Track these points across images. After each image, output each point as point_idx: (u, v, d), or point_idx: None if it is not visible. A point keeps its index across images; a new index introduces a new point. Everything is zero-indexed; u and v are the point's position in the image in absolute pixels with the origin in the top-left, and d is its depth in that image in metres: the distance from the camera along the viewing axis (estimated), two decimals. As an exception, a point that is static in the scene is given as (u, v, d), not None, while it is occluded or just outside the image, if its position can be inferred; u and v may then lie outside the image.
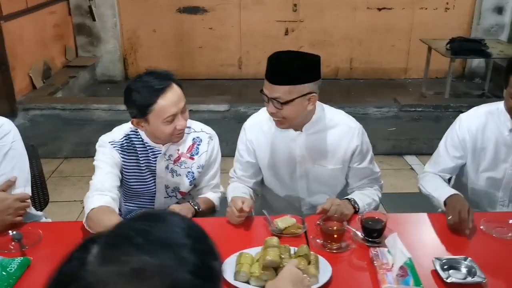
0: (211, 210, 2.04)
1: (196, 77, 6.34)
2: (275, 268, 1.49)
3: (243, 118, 4.77)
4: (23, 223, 1.80)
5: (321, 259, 1.58)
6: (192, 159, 2.03)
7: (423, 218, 1.93)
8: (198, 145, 2.05)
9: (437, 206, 2.01)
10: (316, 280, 1.48)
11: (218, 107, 4.76)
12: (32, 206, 2.17)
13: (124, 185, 2.01)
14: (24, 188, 1.82)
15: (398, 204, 3.58)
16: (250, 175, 2.12)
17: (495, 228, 1.78)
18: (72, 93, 5.52)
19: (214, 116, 4.71)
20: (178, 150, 2.02)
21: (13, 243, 1.67)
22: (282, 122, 1.89)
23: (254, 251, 1.60)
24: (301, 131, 1.96)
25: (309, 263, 1.53)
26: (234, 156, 2.16)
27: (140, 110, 1.81)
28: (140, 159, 1.99)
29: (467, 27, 6.17)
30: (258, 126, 2.06)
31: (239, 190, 2.04)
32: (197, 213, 1.94)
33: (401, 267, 1.52)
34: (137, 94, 1.80)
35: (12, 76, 4.63)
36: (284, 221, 1.79)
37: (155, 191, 2.03)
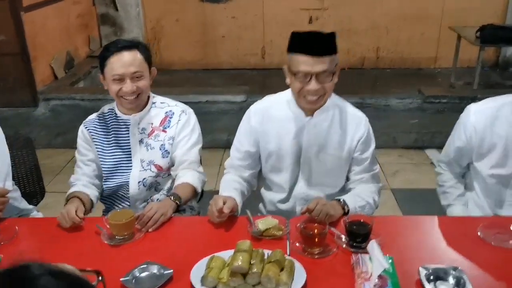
0: (192, 196, 1.99)
1: (219, 67, 6.29)
2: (244, 274, 1.40)
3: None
4: (2, 218, 1.78)
5: (297, 265, 1.49)
6: (165, 132, 2.06)
7: (423, 221, 1.81)
8: (170, 118, 2.07)
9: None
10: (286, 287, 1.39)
11: (235, 98, 4.68)
12: (27, 199, 2.18)
13: (102, 164, 2.06)
14: (3, 182, 1.81)
15: (414, 201, 3.42)
16: (247, 165, 2.04)
17: (495, 235, 1.63)
18: (95, 83, 5.55)
19: (231, 107, 4.64)
20: (152, 124, 2.06)
21: (-11, 239, 1.65)
22: (319, 100, 1.82)
23: (227, 254, 1.52)
24: (312, 116, 1.88)
25: (282, 269, 1.44)
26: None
27: (100, 63, 1.93)
28: (111, 133, 2.05)
29: (502, 14, 5.82)
30: (266, 112, 1.98)
31: (231, 185, 1.96)
32: (180, 206, 1.88)
33: (381, 277, 1.41)
34: (104, 48, 1.94)
35: (33, 66, 4.70)
36: (266, 222, 1.70)
37: (131, 165, 2.04)
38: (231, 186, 1.94)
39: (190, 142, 2.07)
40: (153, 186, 2.06)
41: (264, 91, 5.39)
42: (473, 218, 1.84)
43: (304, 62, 1.74)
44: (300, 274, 1.45)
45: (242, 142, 2.02)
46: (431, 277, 1.43)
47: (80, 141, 2.06)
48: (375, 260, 1.39)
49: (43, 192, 2.41)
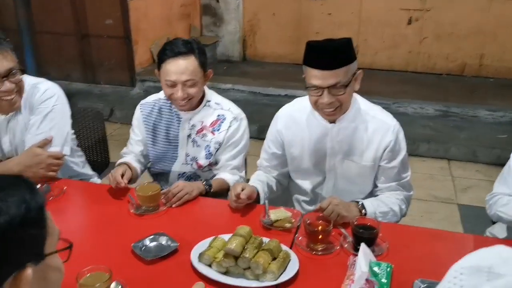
0: (225, 191, 2.08)
1: (310, 63, 6.32)
2: (236, 257, 1.48)
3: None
4: (57, 178, 2.04)
5: (293, 258, 1.53)
6: (213, 134, 2.12)
7: (440, 235, 1.74)
8: (222, 122, 2.11)
9: None
10: (273, 277, 1.44)
11: (314, 94, 4.70)
12: (92, 166, 2.45)
13: (148, 148, 2.20)
14: (61, 147, 2.06)
15: (479, 219, 3.20)
16: (274, 166, 2.10)
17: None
18: (189, 69, 5.91)
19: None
20: (202, 122, 2.12)
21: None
22: (336, 112, 1.82)
23: (229, 237, 1.61)
24: (335, 122, 1.89)
25: (274, 259, 1.49)
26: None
27: (158, 62, 2.03)
28: (163, 122, 2.15)
29: None
30: (291, 116, 2.02)
31: (256, 178, 2.05)
32: (208, 193, 2.00)
33: (368, 281, 1.40)
34: (162, 49, 2.01)
35: (134, 50, 5.14)
36: (278, 214, 1.76)
37: (177, 155, 2.15)
38: (256, 179, 2.02)
39: (237, 149, 2.13)
40: (193, 178, 2.17)
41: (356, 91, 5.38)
42: (496, 240, 1.72)
43: (315, 76, 1.74)
44: (293, 267, 1.50)
45: (269, 144, 2.08)
46: (425, 292, 1.40)
47: (134, 121, 2.22)
48: (357, 264, 1.39)
49: (107, 161, 2.68)
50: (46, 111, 2.05)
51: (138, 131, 2.21)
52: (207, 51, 6.94)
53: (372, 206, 1.82)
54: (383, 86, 5.49)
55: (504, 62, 5.71)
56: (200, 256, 1.52)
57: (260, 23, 6.42)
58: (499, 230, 1.95)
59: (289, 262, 1.52)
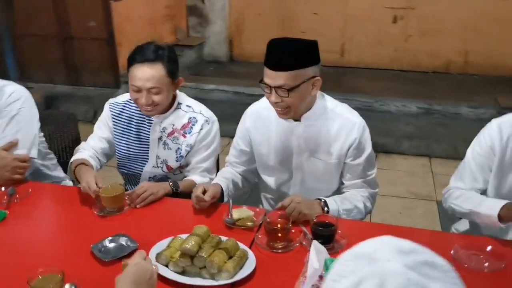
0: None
1: (296, 62, 6.32)
2: (192, 257, 1.48)
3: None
4: (24, 180, 2.03)
5: (250, 256, 1.54)
6: (184, 136, 2.11)
7: (397, 231, 1.72)
8: (193, 125, 2.11)
9: (482, 224, 1.80)
10: (228, 275, 1.44)
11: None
12: (65, 169, 2.44)
13: (116, 149, 2.18)
14: (28, 150, 2.05)
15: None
16: (241, 162, 2.11)
17: (470, 256, 1.53)
18: (175, 70, 5.90)
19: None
20: (173, 125, 2.11)
21: (5, 197, 1.90)
22: (286, 112, 1.83)
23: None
24: (300, 120, 1.89)
25: (230, 257, 1.49)
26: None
27: (127, 64, 1.99)
28: (133, 124, 2.13)
29: None
30: (258, 114, 2.03)
31: (222, 175, 2.05)
32: (176, 194, 2.00)
33: (322, 278, 1.40)
34: (132, 53, 1.99)
35: (117, 51, 5.13)
36: (240, 212, 1.76)
37: (147, 158, 2.14)
38: (221, 176, 2.03)
39: (208, 151, 2.12)
40: (163, 180, 2.14)
41: (339, 89, 5.40)
42: (451, 235, 1.73)
43: (266, 74, 1.76)
44: (249, 265, 1.50)
45: (238, 141, 2.09)
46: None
47: (102, 117, 2.19)
48: (310, 261, 1.39)
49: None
50: (12, 114, 2.05)
51: (105, 129, 2.18)
52: (193, 52, 6.89)
53: (336, 204, 1.83)
54: (368, 84, 5.51)
55: (489, 59, 5.72)
56: (158, 256, 1.52)
57: (246, 22, 6.42)
58: (464, 225, 1.96)
59: (246, 260, 1.52)
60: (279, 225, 1.63)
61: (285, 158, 1.98)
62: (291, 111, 1.83)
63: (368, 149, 1.94)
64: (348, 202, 1.87)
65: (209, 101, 5.06)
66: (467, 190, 1.83)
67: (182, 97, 2.15)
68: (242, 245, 1.58)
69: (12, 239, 1.68)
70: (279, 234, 1.62)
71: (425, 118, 4.36)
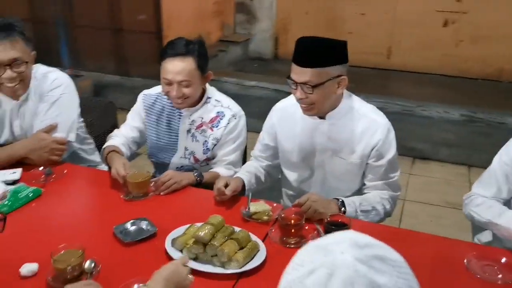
0: None
1: (341, 63, 6.28)
2: (204, 244, 1.54)
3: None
4: (61, 162, 2.16)
5: (261, 249, 1.58)
6: (212, 130, 2.18)
7: (412, 236, 1.74)
8: (220, 119, 2.17)
9: (501, 236, 1.75)
10: (237, 265, 1.49)
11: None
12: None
13: (147, 139, 2.28)
14: (66, 134, 2.18)
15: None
16: (266, 157, 2.16)
17: (483, 267, 1.51)
18: (220, 65, 6.00)
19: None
20: (202, 118, 2.19)
21: (43, 176, 2.04)
22: (310, 109, 1.87)
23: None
24: (325, 119, 1.92)
25: (241, 248, 1.55)
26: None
27: (160, 58, 2.07)
28: (164, 116, 2.22)
29: None
30: (285, 110, 2.07)
31: (246, 169, 2.10)
32: (200, 184, 2.07)
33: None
34: (164, 47, 2.09)
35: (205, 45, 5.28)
36: (257, 206, 1.80)
37: (176, 149, 2.22)
38: (245, 169, 2.08)
39: (233, 145, 2.19)
40: (190, 171, 2.20)
41: (382, 91, 5.33)
42: (466, 244, 1.70)
43: (293, 70, 1.80)
44: (259, 257, 1.54)
45: (264, 135, 2.14)
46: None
47: (135, 107, 2.30)
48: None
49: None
50: (53, 99, 2.18)
51: (137, 119, 2.27)
52: (238, 49, 7.00)
53: (353, 204, 1.84)
54: (413, 88, 5.40)
55: (545, 67, 5.48)
56: (173, 242, 1.60)
57: (293, 21, 6.44)
58: (487, 236, 1.92)
59: (257, 252, 1.57)
60: (292, 221, 1.66)
61: (308, 155, 2.01)
62: (315, 108, 1.85)
63: (392, 151, 1.93)
64: (367, 203, 1.88)
65: (249, 97, 5.18)
66: (490, 198, 1.80)
67: (211, 91, 2.22)
68: (254, 237, 1.62)
69: (43, 215, 1.81)
70: (292, 230, 1.65)
71: (467, 126, 4.23)
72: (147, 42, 5.30)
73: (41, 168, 2.06)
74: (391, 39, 6.05)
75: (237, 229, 1.64)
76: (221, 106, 2.19)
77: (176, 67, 2.00)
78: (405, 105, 4.57)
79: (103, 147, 2.20)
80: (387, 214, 1.95)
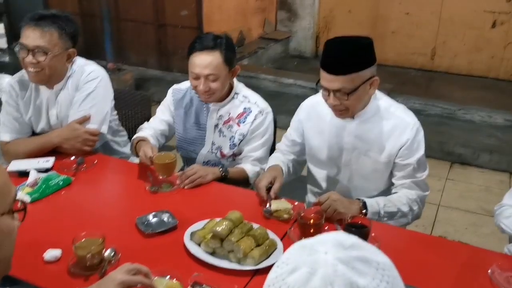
0: (243, 180, 2.15)
1: (383, 63, 6.13)
2: (222, 239, 1.55)
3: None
4: (93, 152, 2.23)
5: (279, 247, 1.58)
6: (238, 125, 2.19)
7: (437, 242, 1.69)
8: (247, 115, 2.18)
9: None
10: (253, 262, 1.49)
11: (376, 95, 4.60)
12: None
13: (176, 132, 2.32)
14: (99, 125, 2.24)
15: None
16: (293, 152, 2.16)
17: (508, 278, 1.44)
18: (259, 62, 6.02)
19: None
20: (230, 113, 2.20)
21: (74, 165, 2.11)
22: (344, 113, 1.85)
23: (225, 220, 1.68)
24: (353, 118, 1.90)
25: (258, 245, 1.54)
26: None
27: (187, 53, 2.09)
28: (193, 110, 2.24)
29: None
30: (313, 107, 2.06)
31: (278, 159, 2.10)
32: (225, 179, 2.08)
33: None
34: (193, 42, 2.10)
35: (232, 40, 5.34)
36: (279, 204, 1.80)
37: (204, 143, 2.25)
38: (278, 159, 2.08)
39: (260, 141, 2.19)
40: (216, 165, 2.22)
41: (427, 93, 5.19)
42: (493, 254, 1.63)
43: (323, 77, 1.76)
44: (276, 255, 1.54)
45: (291, 131, 2.13)
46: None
47: (165, 101, 2.33)
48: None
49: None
50: (88, 91, 2.24)
51: (166, 112, 2.30)
52: (278, 46, 6.99)
53: (377, 206, 1.80)
54: (457, 91, 5.22)
55: None
56: (192, 235, 1.61)
57: (335, 20, 6.37)
58: (517, 247, 1.84)
59: (274, 250, 1.56)
60: (312, 221, 1.65)
61: (335, 153, 1.99)
62: (349, 112, 1.84)
63: (421, 151, 1.89)
64: (392, 204, 1.83)
65: (286, 95, 5.16)
66: None
67: (239, 87, 2.22)
68: (273, 235, 1.62)
69: (71, 203, 1.87)
70: (311, 230, 1.64)
71: (511, 131, 4.06)
72: (188, 37, 5.32)
73: (73, 158, 2.13)
74: (436, 40, 5.88)
75: (255, 225, 1.64)
76: (248, 102, 2.19)
77: (204, 61, 2.02)
78: (445, 107, 4.44)
79: (133, 137, 2.24)
80: (415, 215, 1.89)
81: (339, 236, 0.70)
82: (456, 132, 4.20)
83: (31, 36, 2.04)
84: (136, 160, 2.54)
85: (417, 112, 4.80)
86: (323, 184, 2.08)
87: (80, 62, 2.30)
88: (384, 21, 6.06)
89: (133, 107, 2.80)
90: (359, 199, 1.82)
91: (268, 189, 1.85)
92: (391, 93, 4.70)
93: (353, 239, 0.70)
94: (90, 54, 5.71)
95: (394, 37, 6.07)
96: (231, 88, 2.19)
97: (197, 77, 2.06)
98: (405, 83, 5.51)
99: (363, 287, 0.62)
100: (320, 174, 2.08)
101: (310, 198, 2.17)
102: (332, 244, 0.68)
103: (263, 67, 5.75)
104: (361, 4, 6.11)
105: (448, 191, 3.57)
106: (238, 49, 5.88)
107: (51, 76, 2.15)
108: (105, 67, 5.29)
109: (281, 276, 0.66)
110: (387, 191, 1.98)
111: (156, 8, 5.46)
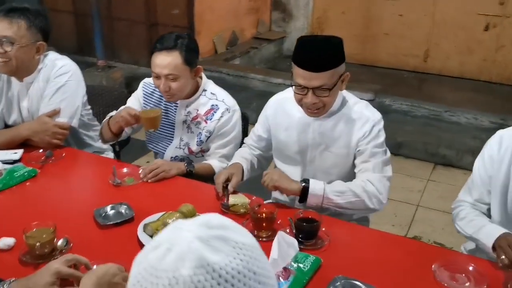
0: (210, 176, 2.16)
1: (376, 64, 6.17)
2: (173, 231, 1.57)
3: (386, 110, 4.56)
4: (62, 146, 2.25)
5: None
6: (206, 122, 2.21)
7: (384, 237, 1.70)
8: (214, 112, 2.20)
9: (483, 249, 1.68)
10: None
11: (363, 96, 4.58)
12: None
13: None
14: (69, 119, 2.26)
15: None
16: (259, 147, 2.17)
17: (454, 274, 1.45)
18: (251, 62, 6.04)
19: (358, 103, 4.60)
20: (197, 110, 2.22)
21: (43, 158, 2.13)
22: (319, 111, 1.86)
23: (180, 213, 1.70)
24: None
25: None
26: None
27: (151, 52, 2.11)
28: (162, 106, 2.26)
29: None
30: (280, 104, 2.07)
31: (241, 155, 2.12)
32: (191, 175, 2.10)
33: (286, 270, 1.42)
34: (155, 41, 2.12)
35: (196, 40, 5.36)
36: (236, 199, 1.82)
37: (172, 139, 2.27)
38: (241, 155, 2.11)
39: (226, 139, 2.21)
40: (184, 160, 2.24)
41: (418, 95, 5.18)
42: (442, 250, 1.64)
43: (301, 76, 1.75)
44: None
45: (258, 127, 2.14)
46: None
47: (135, 94, 2.34)
48: (271, 251, 1.41)
49: (128, 139, 2.87)
50: (59, 85, 2.27)
51: (136, 104, 2.30)
52: (272, 46, 6.99)
53: (322, 184, 1.80)
54: (449, 93, 5.21)
55: None
56: (145, 227, 1.63)
57: (328, 20, 6.38)
58: (470, 244, 1.86)
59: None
60: (264, 215, 1.66)
61: (300, 150, 2.00)
62: (325, 109, 1.85)
63: (378, 139, 1.88)
64: (341, 184, 1.83)
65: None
66: (474, 204, 1.76)
67: (208, 84, 2.24)
68: (224, 228, 1.63)
69: (34, 194, 1.90)
70: (264, 224, 1.65)
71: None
72: (179, 36, 5.40)
73: (41, 151, 2.16)
74: (428, 42, 5.88)
75: (207, 218, 1.66)
76: (216, 99, 2.21)
77: (163, 61, 2.04)
78: (432, 109, 4.44)
79: (103, 122, 2.28)
80: (372, 195, 1.81)
81: (211, 217, 0.72)
82: (442, 134, 4.19)
83: None
84: (111, 155, 2.58)
85: (404, 113, 4.78)
86: None
87: (52, 57, 2.33)
88: (377, 22, 6.07)
89: (109, 103, 2.82)
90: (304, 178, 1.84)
91: (227, 186, 1.87)
92: (378, 93, 4.72)
93: (223, 220, 0.71)
94: (82, 51, 5.80)
95: (386, 38, 6.07)
96: (197, 85, 2.20)
97: (157, 77, 2.09)
98: (396, 85, 5.51)
99: (213, 263, 0.63)
100: (286, 170, 2.09)
101: (277, 194, 2.17)
102: (199, 223, 0.69)
103: (253, 67, 5.77)
104: (354, 5, 6.12)
105: (429, 191, 3.58)
106: (230, 49, 5.93)
107: (19, 68, 2.18)
108: (95, 64, 5.37)
109: (145, 252, 0.68)
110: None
111: (148, 7, 5.50)
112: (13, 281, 1.30)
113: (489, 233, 1.58)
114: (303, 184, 1.80)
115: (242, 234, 0.70)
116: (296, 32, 6.50)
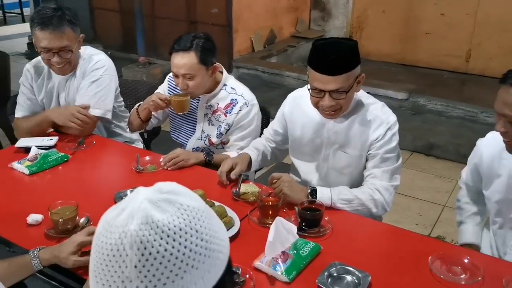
0: None
1: (416, 64, 6.09)
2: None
3: (420, 110, 4.51)
4: (92, 134, 2.42)
5: (236, 224, 1.68)
6: (225, 116, 2.31)
7: (384, 229, 1.74)
8: (234, 106, 2.30)
9: None
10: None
11: (397, 95, 4.59)
12: (140, 133, 2.81)
13: (170, 117, 2.49)
14: (103, 111, 2.41)
15: None
16: (275, 141, 2.24)
17: (450, 266, 1.48)
18: (288, 60, 6.10)
19: (391, 103, 4.55)
20: (218, 104, 2.33)
21: (75, 145, 2.30)
22: (336, 113, 1.89)
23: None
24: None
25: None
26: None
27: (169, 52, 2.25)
28: None
29: None
30: (297, 101, 2.12)
31: (254, 145, 2.20)
32: (210, 164, 2.21)
33: (284, 253, 1.50)
34: (174, 41, 2.24)
35: (233, 38, 5.50)
36: (247, 187, 1.90)
37: (194, 131, 2.39)
38: (254, 146, 2.19)
39: (245, 132, 2.31)
40: (204, 151, 2.34)
41: (462, 97, 5.08)
42: (440, 243, 1.66)
43: (318, 79, 1.78)
44: (231, 232, 1.65)
45: (275, 121, 2.21)
46: (335, 273, 1.45)
47: (161, 87, 2.49)
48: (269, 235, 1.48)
49: (158, 131, 3.02)
50: (94, 79, 2.43)
51: (161, 93, 2.42)
52: (310, 45, 7.00)
53: (329, 192, 1.84)
54: (490, 95, 5.05)
55: None
56: (159, 209, 1.75)
57: (368, 19, 6.36)
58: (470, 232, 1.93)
59: (231, 227, 1.67)
60: (270, 202, 1.74)
61: (315, 148, 2.05)
62: (342, 111, 1.88)
63: (391, 144, 1.91)
64: (348, 192, 1.86)
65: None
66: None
67: (228, 79, 2.35)
68: (232, 213, 1.73)
69: (64, 177, 2.07)
70: (270, 211, 1.73)
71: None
72: (217, 34, 5.52)
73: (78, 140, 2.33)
74: (471, 42, 5.75)
75: (216, 203, 1.76)
76: (235, 93, 2.31)
77: (180, 62, 2.16)
78: (468, 110, 4.35)
79: (131, 111, 2.47)
80: (378, 204, 1.86)
81: (166, 184, 0.79)
82: (475, 135, 4.09)
83: (51, 40, 2.19)
84: (140, 145, 2.73)
85: (438, 114, 4.70)
86: (303, 176, 2.15)
87: (89, 51, 2.49)
88: (418, 21, 5.99)
89: (142, 97, 2.97)
90: (312, 187, 1.87)
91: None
92: (412, 93, 4.67)
93: (176, 187, 0.78)
94: (126, 48, 6.04)
95: (427, 38, 5.97)
96: (217, 81, 2.31)
97: (176, 76, 2.22)
98: (435, 85, 5.42)
99: (157, 220, 0.71)
100: (300, 165, 2.15)
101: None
102: (154, 189, 0.77)
103: (288, 65, 5.82)
104: (395, 4, 6.07)
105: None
106: (268, 47, 6.02)
107: (71, 66, 2.37)
108: (137, 60, 5.59)
109: (106, 215, 0.77)
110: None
111: (188, 6, 5.69)
112: (42, 248, 1.50)
113: (464, 232, 1.92)
114: (310, 195, 1.83)
115: (190, 198, 0.77)
116: (334, 31, 6.52)
